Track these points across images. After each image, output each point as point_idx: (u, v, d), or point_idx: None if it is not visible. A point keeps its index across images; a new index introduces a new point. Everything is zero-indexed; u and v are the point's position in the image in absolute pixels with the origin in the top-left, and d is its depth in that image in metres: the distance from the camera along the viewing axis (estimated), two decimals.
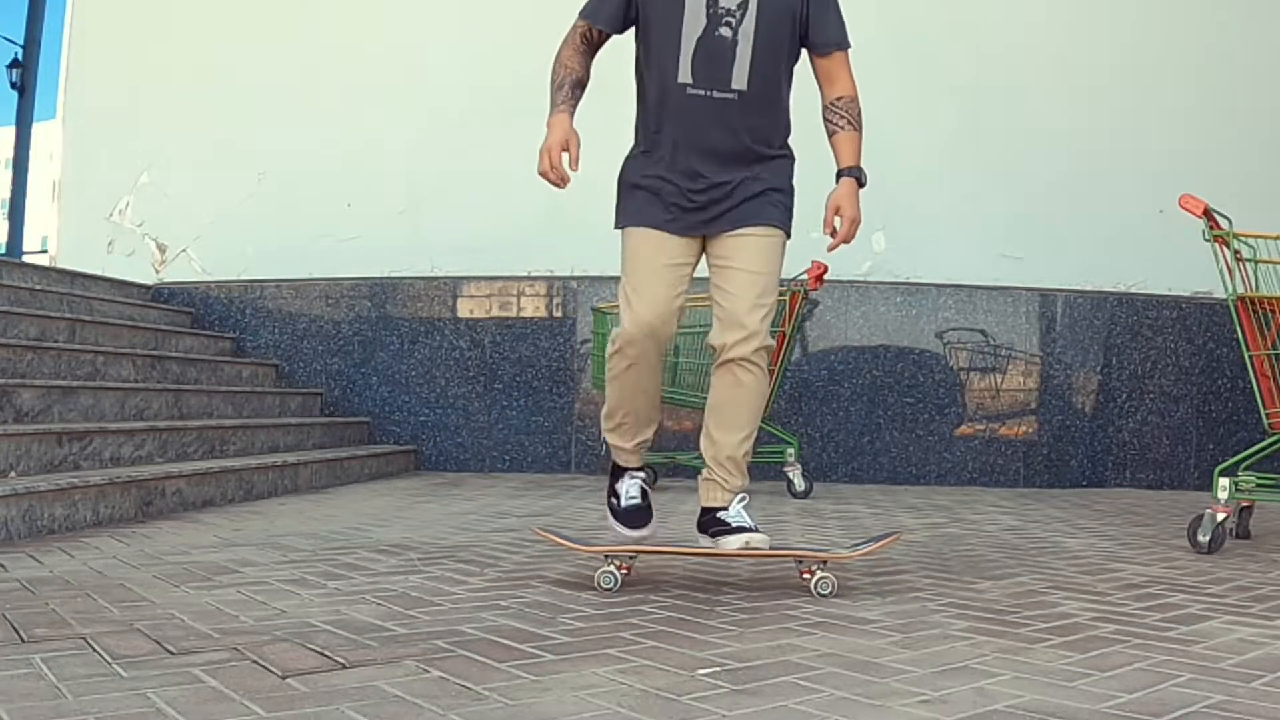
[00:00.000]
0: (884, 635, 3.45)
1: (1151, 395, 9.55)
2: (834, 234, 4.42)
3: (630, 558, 4.26)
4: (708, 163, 4.29)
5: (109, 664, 2.89)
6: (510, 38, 10.02)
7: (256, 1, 10.69)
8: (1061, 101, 9.70)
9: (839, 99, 4.58)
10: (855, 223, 4.44)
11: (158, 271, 10.65)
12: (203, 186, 10.54)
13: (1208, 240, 5.44)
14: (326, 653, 3.07)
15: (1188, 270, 8.95)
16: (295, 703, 2.59)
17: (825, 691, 2.79)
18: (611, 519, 4.59)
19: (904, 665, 3.06)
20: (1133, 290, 9.59)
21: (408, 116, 10.22)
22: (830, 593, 4.09)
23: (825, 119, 4.57)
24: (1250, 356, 5.49)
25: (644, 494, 4.53)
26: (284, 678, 2.80)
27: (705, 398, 4.44)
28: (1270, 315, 5.45)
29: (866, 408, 9.49)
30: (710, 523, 4.35)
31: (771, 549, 4.30)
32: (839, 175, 4.50)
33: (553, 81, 4.45)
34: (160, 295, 10.50)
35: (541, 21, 10.58)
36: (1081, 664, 3.09)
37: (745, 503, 4.37)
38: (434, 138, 10.16)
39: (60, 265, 10.32)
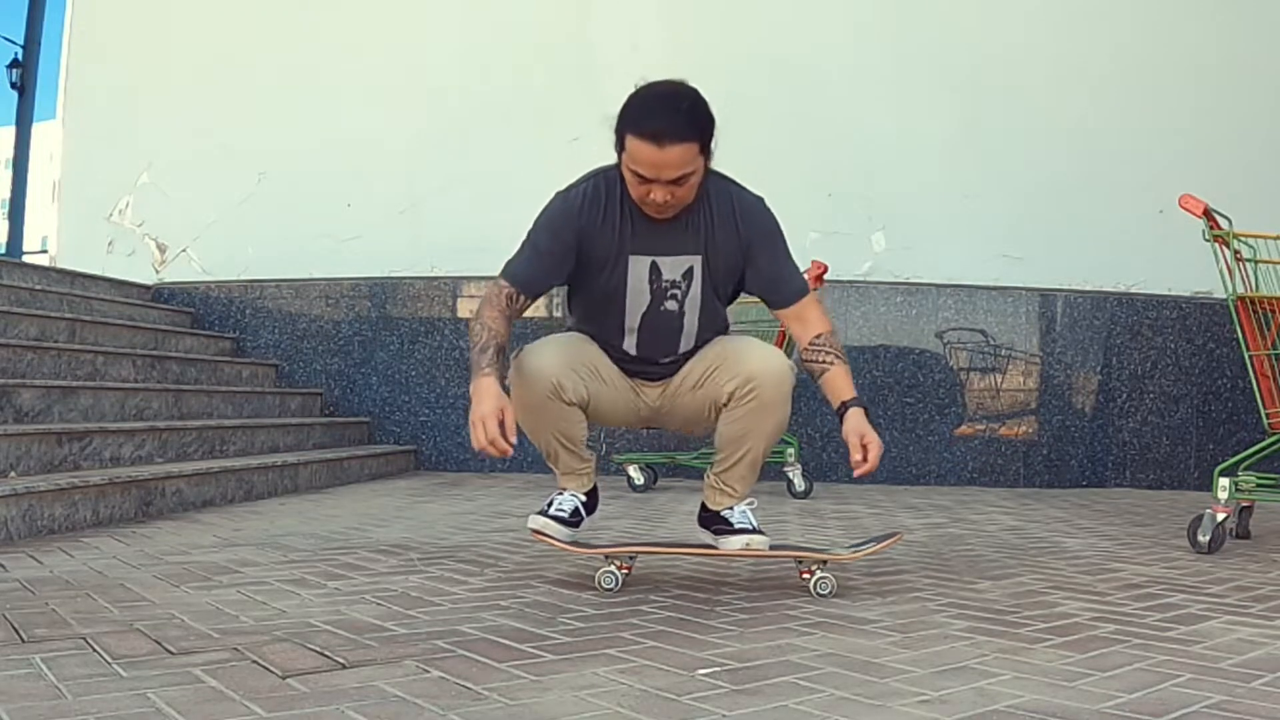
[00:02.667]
0: (884, 635, 3.45)
1: (1151, 395, 9.55)
2: (862, 461, 3.99)
3: (630, 558, 4.25)
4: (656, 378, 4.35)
5: (109, 664, 2.89)
6: (510, 38, 10.02)
7: (256, 1, 10.69)
8: (1061, 101, 9.71)
9: (818, 337, 4.26)
10: (879, 448, 4.03)
11: (158, 271, 10.66)
12: (203, 186, 10.54)
13: (1208, 240, 5.44)
14: (326, 653, 3.07)
15: (1188, 270, 8.94)
16: (295, 703, 2.59)
17: (825, 691, 2.79)
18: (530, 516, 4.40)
19: (904, 665, 3.06)
20: (1133, 290, 9.59)
21: (408, 116, 10.23)
22: (829, 593, 4.08)
23: (809, 360, 4.28)
24: (1250, 356, 5.48)
25: (574, 513, 4.33)
26: (284, 678, 2.80)
27: None
28: (1270, 315, 5.45)
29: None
30: (713, 519, 4.32)
31: (772, 549, 4.28)
32: (844, 408, 4.15)
33: (474, 343, 4.08)
34: (160, 295, 10.50)
35: (542, 23, 10.60)
36: (1082, 664, 3.09)
37: (754, 506, 4.34)
38: (434, 138, 10.16)
39: (60, 265, 10.32)
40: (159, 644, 3.12)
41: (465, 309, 10.01)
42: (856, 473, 4.00)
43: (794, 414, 9.27)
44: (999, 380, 9.58)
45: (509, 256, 4.24)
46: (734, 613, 3.78)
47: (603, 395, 4.25)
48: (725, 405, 4.16)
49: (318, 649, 3.11)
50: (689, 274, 4.14)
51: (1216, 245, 5.43)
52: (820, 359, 4.24)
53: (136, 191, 10.70)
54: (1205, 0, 9.86)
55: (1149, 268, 9.52)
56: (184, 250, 10.62)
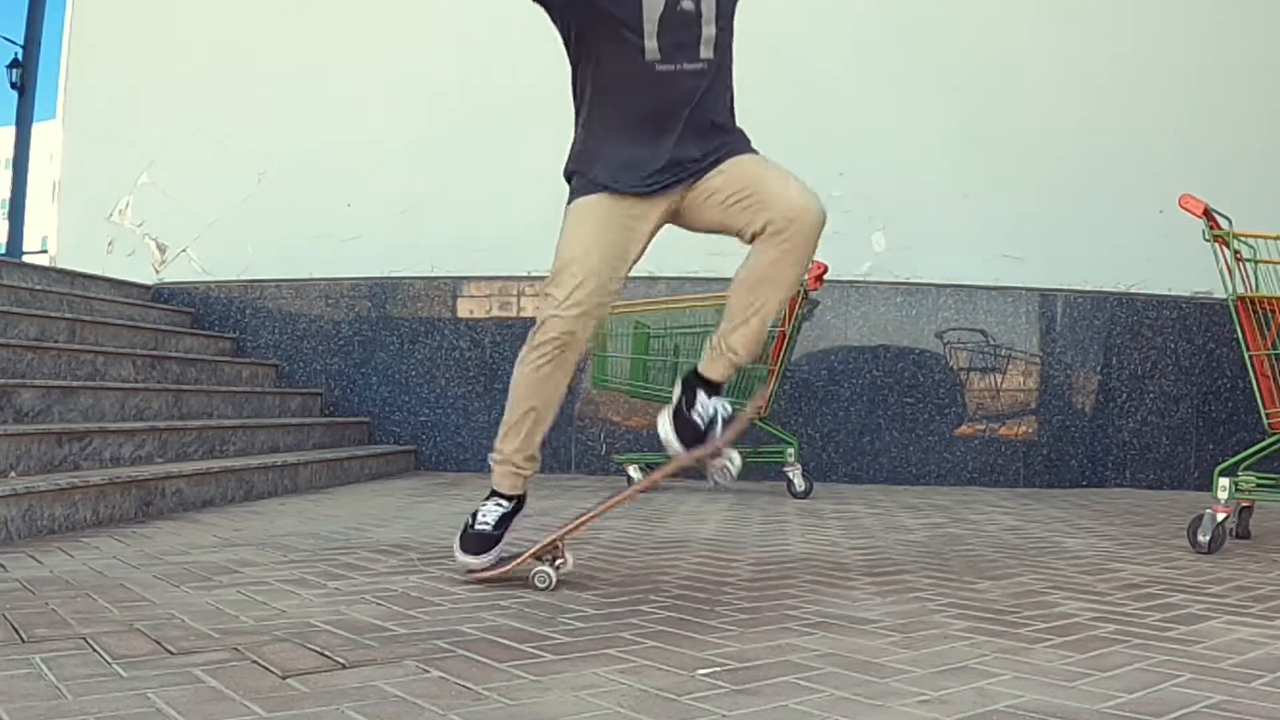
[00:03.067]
0: (884, 635, 3.45)
1: (1151, 395, 9.55)
2: None
3: (561, 555, 4.23)
4: (677, 140, 4.16)
5: (109, 664, 2.89)
6: (510, 38, 10.02)
7: (256, 2, 10.68)
8: (1062, 101, 9.71)
9: None
10: None
11: (158, 271, 10.65)
12: (203, 186, 10.54)
13: (1208, 240, 5.44)
14: (326, 653, 3.07)
15: (1188, 270, 8.95)
16: (295, 703, 2.59)
17: (825, 691, 2.79)
18: (456, 540, 4.41)
19: (904, 665, 3.07)
20: (1133, 290, 9.60)
21: (408, 116, 10.23)
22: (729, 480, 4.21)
23: None
24: (1250, 356, 5.49)
25: (500, 523, 4.34)
26: (284, 678, 2.81)
27: None
28: (1270, 315, 5.46)
29: (866, 408, 9.49)
30: (694, 396, 4.28)
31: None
32: None
33: None
34: (160, 295, 10.50)
35: (541, 22, 10.58)
36: (1081, 664, 3.10)
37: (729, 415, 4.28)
38: (434, 138, 10.16)
39: (60, 265, 10.32)
40: (159, 644, 3.12)
41: (465, 309, 10.02)
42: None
43: (794, 414, 9.30)
44: (999, 380, 9.59)
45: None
46: (734, 613, 3.78)
47: (625, 268, 4.23)
48: (758, 234, 4.09)
49: (318, 649, 3.11)
50: None
51: (1216, 245, 5.44)
52: None
53: (136, 191, 10.69)
54: (1205, 1, 9.87)
55: (1149, 268, 9.53)
56: (184, 250, 10.61)
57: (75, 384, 6.85)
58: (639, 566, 4.57)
